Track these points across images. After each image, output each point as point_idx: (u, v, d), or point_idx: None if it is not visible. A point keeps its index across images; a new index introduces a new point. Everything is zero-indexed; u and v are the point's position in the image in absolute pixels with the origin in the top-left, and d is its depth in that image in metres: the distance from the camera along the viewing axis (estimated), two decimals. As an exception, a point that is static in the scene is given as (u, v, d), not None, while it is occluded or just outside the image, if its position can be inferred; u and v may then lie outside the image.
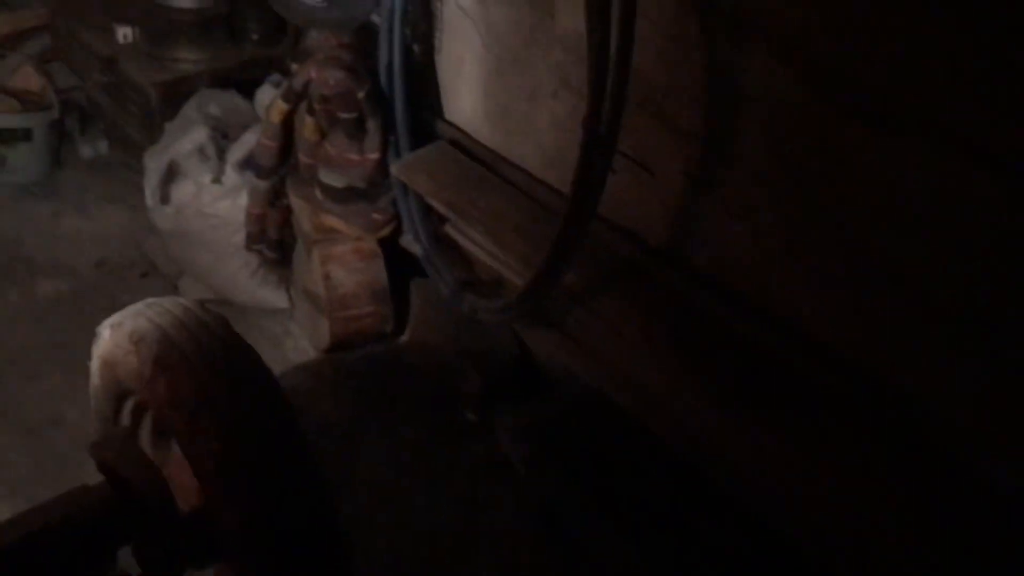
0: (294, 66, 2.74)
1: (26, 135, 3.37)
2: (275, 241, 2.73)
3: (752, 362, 1.73)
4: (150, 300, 1.57)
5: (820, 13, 1.48)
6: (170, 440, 1.55)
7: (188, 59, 3.04)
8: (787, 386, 1.67)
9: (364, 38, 2.48)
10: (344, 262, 2.55)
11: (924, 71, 1.36)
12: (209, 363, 1.44)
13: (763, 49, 1.57)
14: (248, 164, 2.68)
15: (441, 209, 2.34)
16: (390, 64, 2.39)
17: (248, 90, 2.97)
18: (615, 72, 1.60)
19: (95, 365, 1.63)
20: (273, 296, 2.88)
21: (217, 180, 2.63)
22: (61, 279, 3.10)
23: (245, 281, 2.86)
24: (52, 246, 3.24)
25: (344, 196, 2.50)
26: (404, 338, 2.67)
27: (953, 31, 1.32)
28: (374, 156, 2.44)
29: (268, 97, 2.75)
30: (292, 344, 2.87)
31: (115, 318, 1.56)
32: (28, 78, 3.46)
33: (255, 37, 3.14)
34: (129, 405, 1.62)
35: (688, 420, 1.74)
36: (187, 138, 2.70)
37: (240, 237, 2.77)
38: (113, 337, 1.53)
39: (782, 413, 1.65)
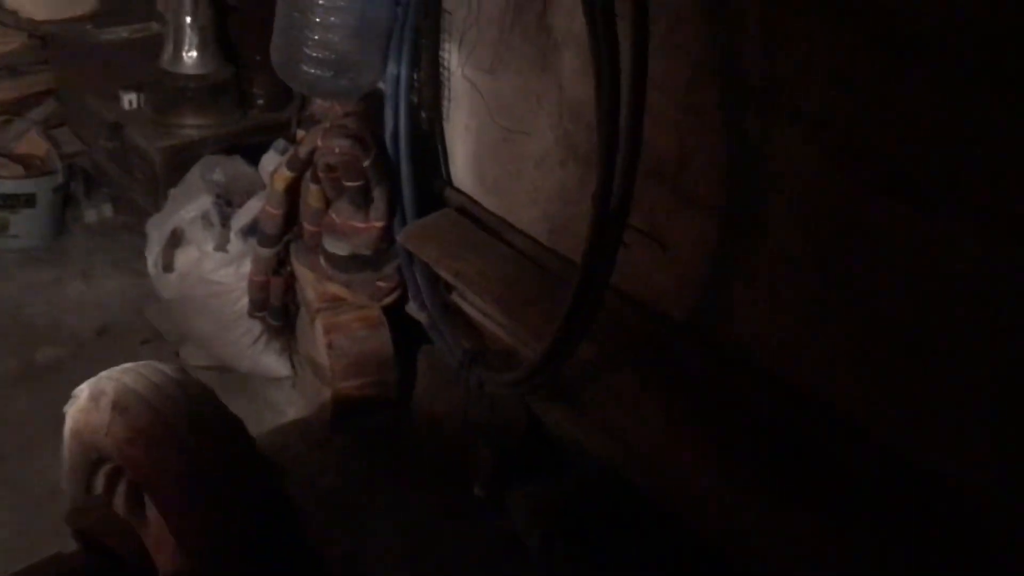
0: (299, 133, 2.72)
1: (29, 200, 3.35)
2: (278, 309, 2.68)
3: (779, 442, 1.66)
4: (126, 365, 1.55)
5: (850, 91, 1.44)
6: (144, 504, 1.52)
7: (193, 125, 3.03)
8: (817, 468, 1.60)
9: (370, 105, 2.46)
10: (348, 331, 2.50)
11: (959, 148, 1.32)
12: (188, 427, 1.42)
13: (788, 123, 1.53)
14: (252, 231, 2.65)
15: (448, 278, 2.29)
16: (396, 131, 2.36)
17: (253, 156, 2.95)
18: (626, 145, 1.56)
19: (68, 431, 1.59)
20: (276, 364, 2.83)
21: (221, 248, 2.59)
22: (62, 346, 3.05)
23: (247, 349, 2.81)
24: (54, 312, 3.20)
25: (348, 264, 2.45)
26: (411, 408, 2.60)
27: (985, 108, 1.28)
28: (379, 224, 2.40)
29: (273, 163, 2.73)
30: (295, 413, 2.81)
31: (90, 383, 1.53)
32: (33, 143, 3.46)
33: (260, 103, 3.13)
34: (104, 470, 1.59)
35: (711, 503, 1.67)
36: (191, 205, 2.67)
37: (243, 304, 2.73)
38: (88, 403, 1.50)
39: (811, 496, 1.57)
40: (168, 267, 2.66)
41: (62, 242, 3.54)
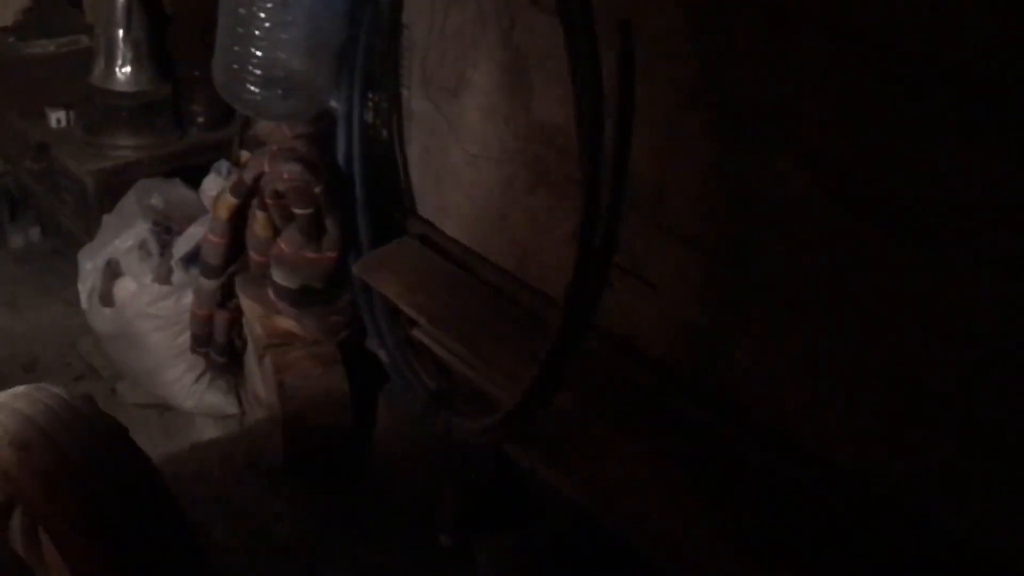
0: (243, 155, 2.54)
1: (-52, 225, 3.11)
2: (223, 345, 2.50)
3: (772, 495, 1.54)
4: (17, 390, 1.43)
5: (849, 121, 1.32)
6: (40, 538, 1.41)
7: (128, 146, 2.81)
8: (815, 524, 1.48)
9: (320, 127, 2.30)
10: (300, 369, 2.32)
11: (971, 189, 1.21)
12: (89, 463, 1.35)
13: (785, 155, 1.41)
14: (194, 261, 2.46)
15: (409, 312, 2.14)
16: (349, 155, 2.20)
17: (193, 178, 2.75)
18: (612, 177, 1.43)
19: None
20: (222, 402, 2.64)
21: (162, 280, 2.40)
22: (-14, 384, 2.82)
23: (190, 386, 2.61)
24: (-22, 346, 2.96)
25: (299, 297, 2.28)
26: (369, 451, 2.43)
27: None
28: (332, 254, 2.23)
29: (215, 187, 2.54)
30: (243, 455, 2.62)
31: None
32: (-48, 163, 3.22)
33: (200, 121, 2.92)
34: None
35: (691, 553, 1.54)
36: (127, 233, 2.47)
37: (185, 339, 2.54)
38: None
39: (809, 555, 1.46)
40: (106, 300, 2.45)
41: (-14, 269, 3.30)
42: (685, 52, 1.52)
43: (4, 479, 1.36)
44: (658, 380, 1.72)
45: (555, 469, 1.83)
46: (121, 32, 2.72)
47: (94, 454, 1.37)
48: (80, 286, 2.57)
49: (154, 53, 2.80)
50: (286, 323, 2.32)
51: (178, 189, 2.66)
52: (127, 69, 2.76)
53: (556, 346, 1.55)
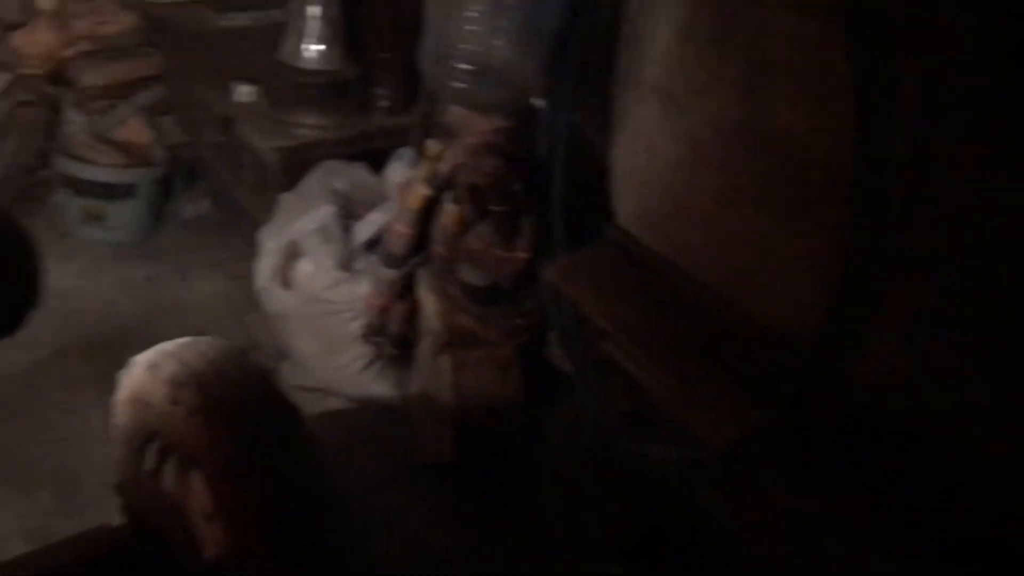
0: (431, 145, 2.45)
1: (129, 191, 3.16)
2: (397, 336, 2.43)
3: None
4: (185, 340, 1.49)
5: None
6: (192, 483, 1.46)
7: (312, 125, 2.77)
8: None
9: (519, 120, 2.19)
10: (477, 370, 2.23)
11: None
12: (242, 407, 1.39)
13: None
14: (374, 249, 2.40)
15: (604, 325, 2.01)
16: (551, 153, 2.09)
17: (372, 162, 2.70)
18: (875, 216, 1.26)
19: (122, 401, 1.53)
20: (387, 394, 2.57)
21: (344, 266, 2.34)
22: (152, 351, 2.84)
23: (357, 374, 2.56)
24: (147, 314, 2.99)
25: (485, 296, 2.19)
26: (538, 462, 2.32)
27: None
28: (524, 255, 2.13)
29: (400, 175, 2.48)
30: (402, 449, 2.55)
31: (149, 356, 1.46)
32: (135, 130, 3.26)
33: (384, 105, 2.87)
34: (155, 446, 1.52)
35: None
36: (310, 216, 2.42)
37: (356, 326, 2.48)
38: (146, 375, 1.43)
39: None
40: (284, 281, 2.42)
41: (158, 237, 3.34)
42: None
43: (166, 423, 1.41)
44: (883, 424, 1.54)
45: (751, 514, 1.68)
46: (316, 10, 2.68)
47: (250, 405, 1.40)
48: (259, 264, 2.54)
49: (345, 33, 2.76)
50: (467, 321, 2.23)
51: (361, 173, 2.61)
52: (318, 48, 2.72)
53: (797, 393, 1.39)
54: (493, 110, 2.13)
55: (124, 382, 1.55)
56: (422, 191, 2.18)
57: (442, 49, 1.99)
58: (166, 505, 1.48)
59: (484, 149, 2.08)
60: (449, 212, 2.19)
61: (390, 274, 2.33)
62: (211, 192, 3.38)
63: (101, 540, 1.52)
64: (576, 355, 2.08)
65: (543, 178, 2.12)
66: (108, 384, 2.72)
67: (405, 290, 2.36)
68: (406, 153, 2.62)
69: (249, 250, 3.16)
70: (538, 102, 2.11)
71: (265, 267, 2.48)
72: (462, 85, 2.00)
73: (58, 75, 3.24)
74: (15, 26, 3.25)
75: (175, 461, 1.52)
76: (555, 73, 2.04)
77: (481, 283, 2.17)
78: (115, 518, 1.59)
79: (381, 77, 2.83)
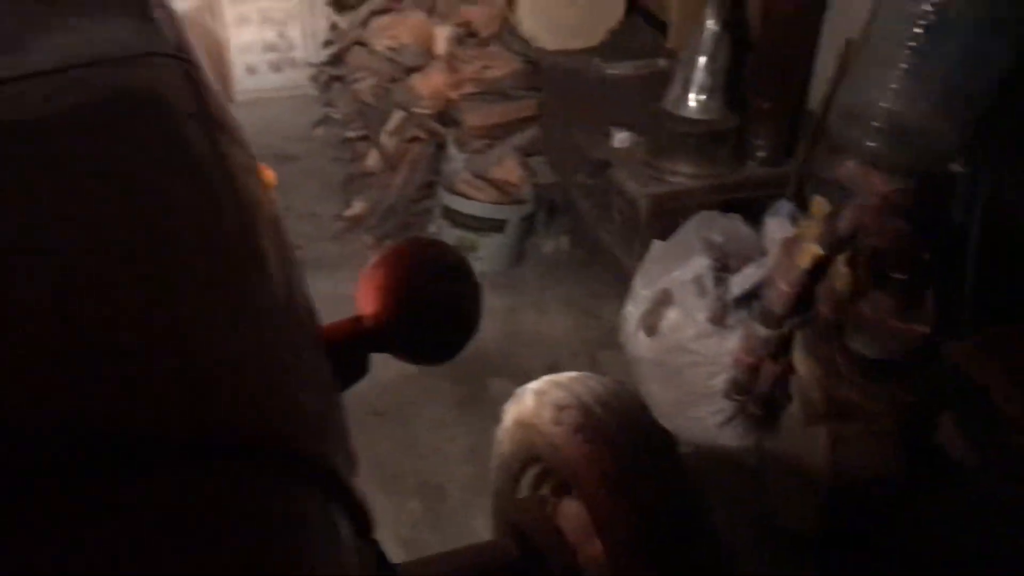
0: (817, 200, 2.36)
1: (499, 226, 3.35)
2: (764, 396, 2.35)
3: None
4: (574, 373, 1.59)
5: None
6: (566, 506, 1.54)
7: (686, 173, 2.79)
8: None
9: (929, 185, 2.04)
10: (856, 446, 2.10)
11: None
12: (625, 433, 1.45)
13: None
14: (749, 304, 2.34)
15: (1016, 415, 1.81)
16: (966, 223, 1.92)
17: (744, 212, 2.65)
18: None
19: (508, 426, 1.62)
20: (741, 454, 2.51)
21: (716, 320, 2.31)
22: (511, 378, 2.97)
23: (714, 428, 2.52)
24: (506, 341, 3.16)
25: (873, 368, 2.05)
26: (912, 547, 2.14)
27: None
28: (923, 330, 1.97)
29: (780, 230, 2.41)
30: (754, 508, 2.47)
31: (536, 384, 1.58)
32: (507, 169, 3.45)
33: (760, 155, 2.82)
34: (534, 470, 1.62)
35: None
36: (686, 266, 2.42)
37: (720, 380, 2.44)
38: (535, 403, 1.53)
39: None
40: (650, 328, 2.44)
41: (519, 270, 3.51)
42: None
43: (548, 443, 1.49)
44: None
45: None
46: (704, 60, 2.69)
47: (628, 429, 1.46)
48: (628, 308, 2.58)
49: (730, 82, 2.74)
50: (850, 393, 2.10)
51: (737, 225, 2.57)
52: (701, 97, 2.73)
53: None
54: (902, 171, 2.01)
55: (510, 410, 1.64)
56: (814, 250, 2.10)
57: (857, 106, 1.91)
58: (548, 528, 1.53)
59: (889, 212, 1.96)
60: (842, 275, 2.08)
61: (765, 332, 2.26)
62: (571, 230, 3.50)
63: (495, 553, 1.59)
64: (984, 448, 1.89)
65: (952, 246, 1.96)
66: (471, 406, 2.94)
67: (779, 351, 2.28)
68: (784, 207, 2.55)
69: (604, 289, 3.25)
70: (955, 167, 1.95)
71: (634, 312, 2.52)
72: (873, 144, 1.90)
73: (445, 114, 3.52)
74: (413, 69, 3.58)
75: (550, 487, 1.59)
76: (979, 140, 1.88)
77: (871, 354, 2.04)
78: (478, 533, 1.69)
79: (759, 127, 2.79)
